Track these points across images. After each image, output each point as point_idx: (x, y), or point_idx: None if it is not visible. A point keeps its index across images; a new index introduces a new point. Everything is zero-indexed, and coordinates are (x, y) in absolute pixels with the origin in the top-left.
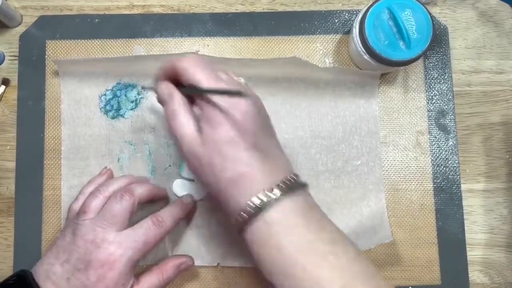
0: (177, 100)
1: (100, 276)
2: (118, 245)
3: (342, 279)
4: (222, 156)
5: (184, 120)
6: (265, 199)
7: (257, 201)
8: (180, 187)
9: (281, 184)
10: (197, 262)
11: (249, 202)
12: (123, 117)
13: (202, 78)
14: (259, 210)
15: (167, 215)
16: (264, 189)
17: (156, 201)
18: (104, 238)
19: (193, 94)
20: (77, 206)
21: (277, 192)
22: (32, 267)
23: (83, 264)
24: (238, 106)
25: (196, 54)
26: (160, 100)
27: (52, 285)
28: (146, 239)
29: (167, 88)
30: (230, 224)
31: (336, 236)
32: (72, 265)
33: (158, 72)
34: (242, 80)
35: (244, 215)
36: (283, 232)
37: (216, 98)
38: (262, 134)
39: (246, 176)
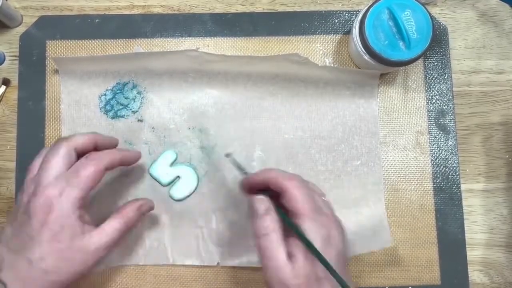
0: (274, 220)
1: (42, 221)
2: (53, 187)
3: None
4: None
5: (278, 244)
6: None
7: None
8: (158, 171)
9: None
10: (197, 262)
11: None
12: (123, 117)
13: (305, 201)
14: None
15: (105, 151)
16: None
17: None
18: (39, 183)
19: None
20: (32, 170)
21: None
22: None
23: (26, 215)
24: (333, 245)
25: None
26: (251, 208)
27: (4, 247)
28: (81, 173)
29: (265, 203)
30: None
31: None
32: (18, 221)
33: (251, 179)
34: (326, 198)
35: None
36: None
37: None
38: (343, 261)
39: None
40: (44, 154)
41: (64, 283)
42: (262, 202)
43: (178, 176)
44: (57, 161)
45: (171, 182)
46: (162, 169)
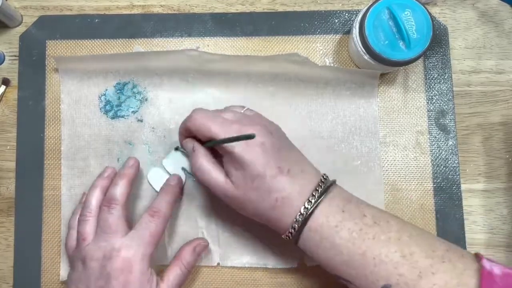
0: (201, 153)
1: (123, 283)
2: (127, 248)
3: (398, 249)
4: (256, 191)
5: (211, 170)
6: (305, 212)
7: (299, 216)
8: (154, 178)
9: (314, 193)
10: (197, 262)
11: (293, 219)
12: (123, 117)
13: (216, 130)
14: (303, 223)
15: (161, 204)
16: (303, 202)
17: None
18: (112, 248)
19: (214, 145)
20: (71, 241)
21: (313, 200)
22: None
23: (103, 280)
24: (253, 143)
25: (201, 109)
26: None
27: None
28: (150, 233)
29: (190, 142)
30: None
31: (377, 215)
32: (93, 287)
33: (181, 129)
34: (244, 109)
35: (292, 230)
36: (331, 232)
37: (233, 144)
38: (283, 156)
39: (284, 200)
40: (92, 219)
41: None
42: (188, 143)
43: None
44: (118, 223)
45: None
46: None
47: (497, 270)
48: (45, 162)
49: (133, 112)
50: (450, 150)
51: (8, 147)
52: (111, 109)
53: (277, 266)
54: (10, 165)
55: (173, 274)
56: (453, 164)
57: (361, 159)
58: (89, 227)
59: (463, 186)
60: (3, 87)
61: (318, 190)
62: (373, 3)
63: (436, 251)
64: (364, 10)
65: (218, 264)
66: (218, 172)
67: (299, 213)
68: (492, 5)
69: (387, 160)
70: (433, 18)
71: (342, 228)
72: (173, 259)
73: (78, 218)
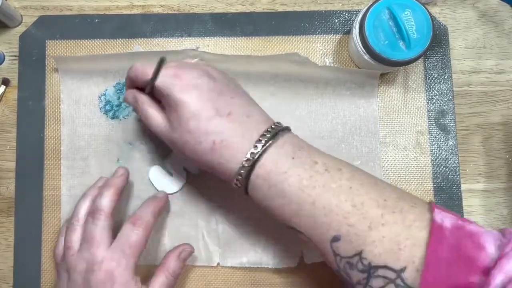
0: (142, 99)
1: None
2: (109, 260)
3: (348, 198)
4: (191, 132)
5: (152, 113)
6: (251, 158)
7: (245, 162)
8: (156, 176)
9: (260, 138)
10: (197, 262)
11: (239, 165)
12: (123, 117)
13: (150, 72)
14: (250, 170)
15: (144, 211)
16: (249, 148)
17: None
18: (94, 260)
19: (153, 92)
20: (59, 249)
21: (259, 146)
22: None
23: None
24: (190, 84)
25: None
26: (133, 107)
27: None
28: (132, 242)
29: (131, 93)
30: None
31: (329, 163)
32: None
33: (126, 81)
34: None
35: (240, 177)
36: (279, 179)
37: (161, 83)
38: (224, 99)
39: (223, 144)
40: (79, 228)
41: None
42: (129, 94)
43: (165, 174)
44: (102, 234)
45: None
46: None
47: (447, 222)
48: (45, 162)
49: (133, 112)
50: (450, 150)
51: (8, 147)
52: (111, 109)
53: (277, 266)
54: (10, 165)
55: (159, 282)
56: (453, 164)
57: (361, 159)
58: (75, 236)
59: (463, 186)
60: (3, 87)
61: (265, 136)
62: (373, 3)
63: (388, 200)
64: (364, 10)
65: (218, 264)
66: (158, 115)
67: (245, 159)
68: (492, 5)
69: (387, 160)
70: (433, 18)
71: (291, 175)
72: (158, 266)
73: (66, 226)
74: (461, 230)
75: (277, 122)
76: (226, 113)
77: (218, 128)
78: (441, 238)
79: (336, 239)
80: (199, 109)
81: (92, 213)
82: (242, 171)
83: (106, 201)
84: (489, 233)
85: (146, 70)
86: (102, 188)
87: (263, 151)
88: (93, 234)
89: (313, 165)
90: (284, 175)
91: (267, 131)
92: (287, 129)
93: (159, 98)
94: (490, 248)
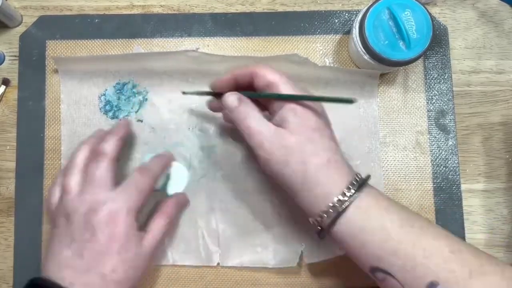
0: (249, 103)
1: (109, 235)
2: (113, 202)
3: (447, 243)
4: (313, 142)
5: (261, 118)
6: (338, 202)
7: (333, 207)
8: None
9: (353, 181)
10: (197, 262)
11: (325, 206)
12: (123, 117)
13: (283, 80)
14: (339, 213)
15: (152, 163)
16: (339, 192)
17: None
18: (97, 201)
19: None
20: (54, 198)
21: (348, 193)
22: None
23: (88, 233)
24: (317, 107)
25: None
26: (225, 107)
27: (68, 270)
28: (137, 187)
29: (235, 94)
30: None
31: (414, 213)
32: (78, 241)
33: (215, 81)
34: None
35: (324, 216)
36: (381, 213)
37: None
38: (322, 140)
39: (336, 164)
40: (77, 172)
41: (136, 283)
42: (231, 95)
43: (168, 174)
44: (105, 175)
45: (164, 184)
46: None
47: None
48: (45, 162)
49: (133, 112)
50: (450, 150)
51: (8, 147)
52: (111, 109)
53: (277, 266)
54: (10, 165)
55: (158, 226)
56: (453, 164)
57: (361, 159)
58: (74, 181)
59: (463, 186)
60: (3, 87)
61: (354, 185)
62: (373, 3)
63: (481, 253)
64: (364, 10)
65: (218, 264)
66: (266, 120)
67: (333, 202)
68: (492, 5)
69: (387, 160)
70: (433, 18)
71: (393, 212)
72: (156, 212)
73: (63, 172)
74: None
75: (357, 173)
76: (326, 158)
77: (336, 148)
78: None
79: (433, 285)
80: (326, 125)
81: (95, 156)
82: (331, 211)
83: (110, 145)
84: None
85: (266, 73)
86: (103, 136)
87: (353, 198)
88: (96, 176)
89: (406, 210)
90: (386, 211)
91: (355, 179)
92: (369, 178)
93: (265, 104)
94: None
